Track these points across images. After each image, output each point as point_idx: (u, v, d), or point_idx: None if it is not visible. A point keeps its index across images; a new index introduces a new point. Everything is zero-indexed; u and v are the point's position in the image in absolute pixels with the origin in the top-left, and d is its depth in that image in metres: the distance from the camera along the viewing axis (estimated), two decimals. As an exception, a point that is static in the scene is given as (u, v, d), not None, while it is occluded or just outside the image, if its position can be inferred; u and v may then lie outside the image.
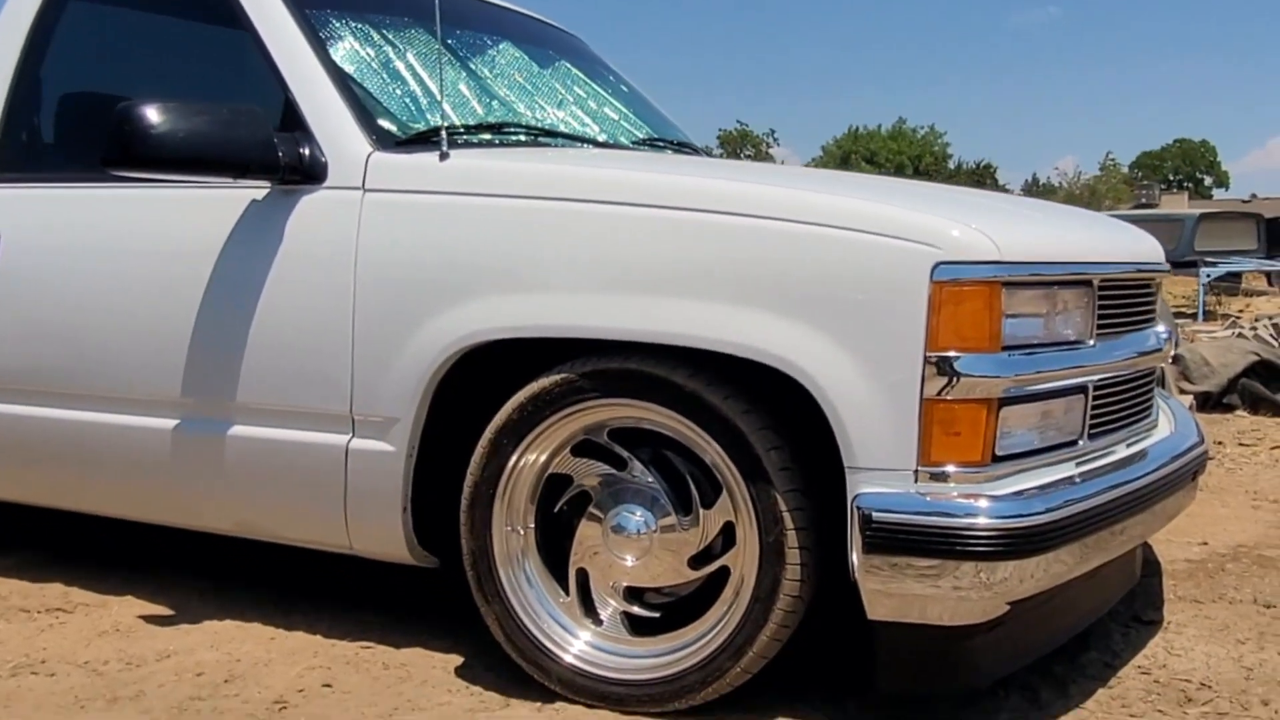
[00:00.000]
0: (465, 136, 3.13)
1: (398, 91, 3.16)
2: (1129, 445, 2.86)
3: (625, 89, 4.17)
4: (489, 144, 3.20)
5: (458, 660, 2.91)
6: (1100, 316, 2.67)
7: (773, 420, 2.54)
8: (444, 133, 2.86)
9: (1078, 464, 2.61)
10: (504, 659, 2.74)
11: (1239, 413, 6.79)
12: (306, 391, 2.91)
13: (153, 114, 2.75)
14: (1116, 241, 2.97)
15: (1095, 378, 2.64)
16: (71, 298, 3.22)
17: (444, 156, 2.84)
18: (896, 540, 2.33)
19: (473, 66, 3.54)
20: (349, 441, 2.87)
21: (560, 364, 2.66)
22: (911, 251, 2.37)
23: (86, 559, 3.64)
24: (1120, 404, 2.83)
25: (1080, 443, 2.63)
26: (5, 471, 3.45)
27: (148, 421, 3.14)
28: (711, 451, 2.56)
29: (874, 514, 2.34)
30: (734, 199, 2.54)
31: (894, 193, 2.85)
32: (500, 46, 3.76)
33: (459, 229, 2.76)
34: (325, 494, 2.92)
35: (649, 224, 2.57)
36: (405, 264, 2.79)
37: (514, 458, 2.70)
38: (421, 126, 3.04)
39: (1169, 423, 3.19)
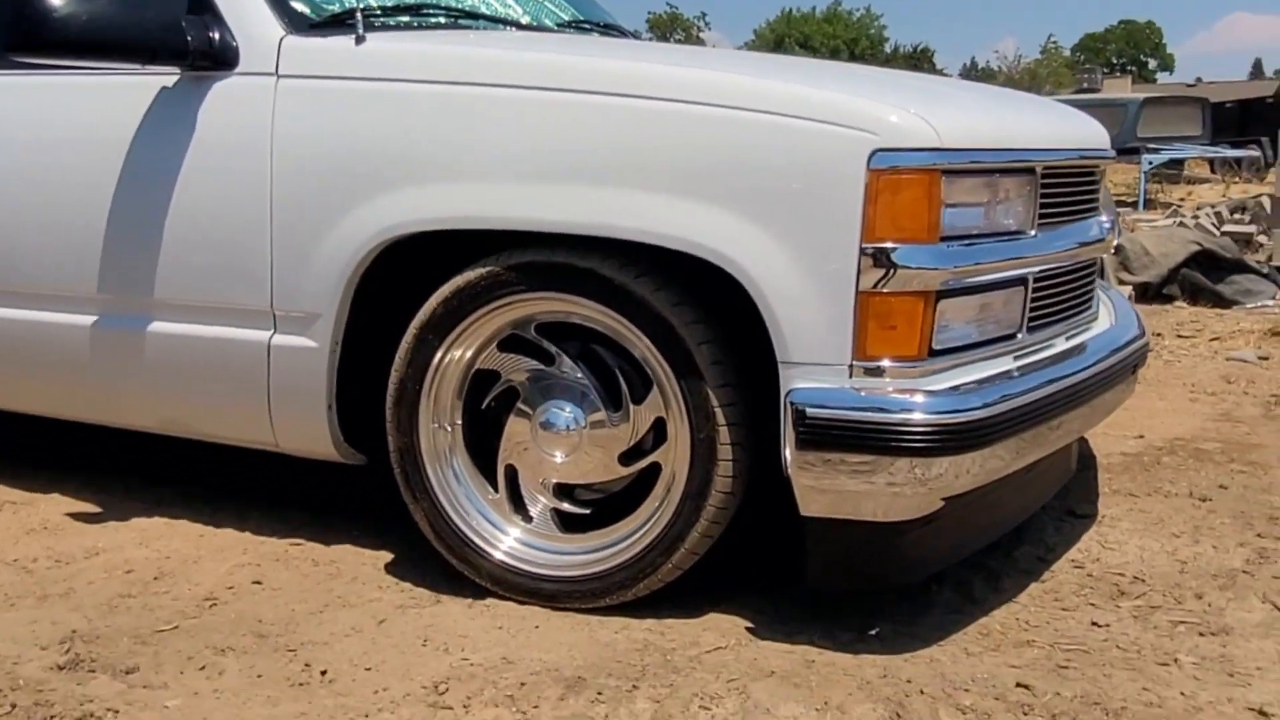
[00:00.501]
0: (382, 19, 2.90)
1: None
2: (1068, 339, 2.73)
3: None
4: (407, 26, 2.96)
5: (388, 557, 2.79)
6: (1042, 206, 2.51)
7: (704, 314, 2.39)
8: (359, 14, 2.63)
9: (1015, 358, 2.48)
10: (434, 556, 2.62)
11: (1178, 304, 6.71)
12: (225, 286, 2.72)
13: (54, -2, 2.52)
14: (1061, 127, 2.81)
15: (1035, 269, 2.50)
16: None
17: (360, 40, 2.62)
18: (830, 436, 2.20)
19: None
20: (271, 338, 2.70)
21: (485, 257, 2.49)
22: (847, 138, 2.20)
23: (9, 455, 3.47)
24: (1060, 296, 2.70)
25: (1019, 336, 2.50)
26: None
27: (63, 318, 2.94)
28: (641, 346, 2.41)
29: (807, 410, 2.21)
30: (662, 84, 2.34)
31: (829, 76, 2.67)
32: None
33: (376, 117, 2.55)
34: (248, 391, 2.75)
35: (573, 111, 2.38)
36: (322, 154, 2.59)
37: (439, 354, 2.54)
38: (336, 8, 2.79)
39: (1109, 315, 3.07)
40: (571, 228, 2.37)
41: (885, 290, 2.20)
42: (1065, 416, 2.49)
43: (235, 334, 2.74)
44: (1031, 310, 2.52)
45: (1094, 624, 2.48)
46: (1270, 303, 6.48)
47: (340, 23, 2.76)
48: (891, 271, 2.19)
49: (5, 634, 2.36)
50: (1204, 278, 6.68)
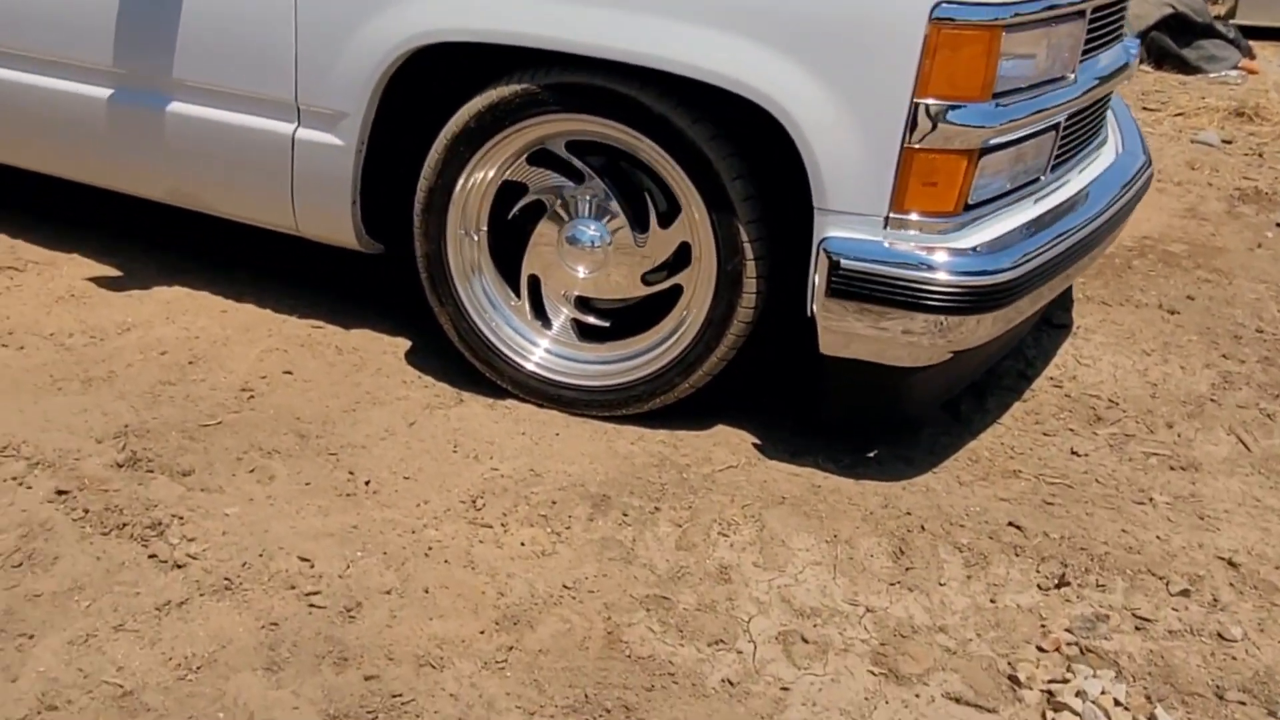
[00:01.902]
0: None
1: None
2: (1081, 170, 2.60)
3: None
4: None
5: (406, 345, 2.70)
6: (1085, 45, 2.32)
7: (739, 148, 2.21)
8: None
9: (1036, 200, 2.36)
10: (452, 351, 2.53)
11: (1143, 67, 6.43)
12: (248, 75, 2.47)
13: None
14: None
15: (1070, 111, 2.34)
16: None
17: None
18: (861, 288, 2.10)
19: None
20: (295, 131, 2.48)
21: (520, 72, 2.26)
22: (911, -14, 1.97)
23: (21, 210, 3.25)
24: (1082, 131, 2.54)
25: (1042, 178, 2.36)
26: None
27: (80, 88, 2.68)
28: (674, 174, 2.24)
29: (842, 260, 2.09)
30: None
31: None
32: None
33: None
34: (270, 178, 2.56)
35: (625, -74, 2.10)
36: (352, -58, 2.29)
37: (469, 165, 2.35)
38: None
39: (1115, 136, 2.91)
40: (615, 54, 2.14)
41: (931, 147, 2.03)
42: (1078, 264, 2.39)
43: (258, 123, 2.51)
44: (1056, 151, 2.37)
45: (1074, 453, 2.49)
46: (1232, 73, 6.24)
47: None
48: (941, 129, 2.01)
49: (60, 422, 2.27)
50: (1171, 42, 6.38)
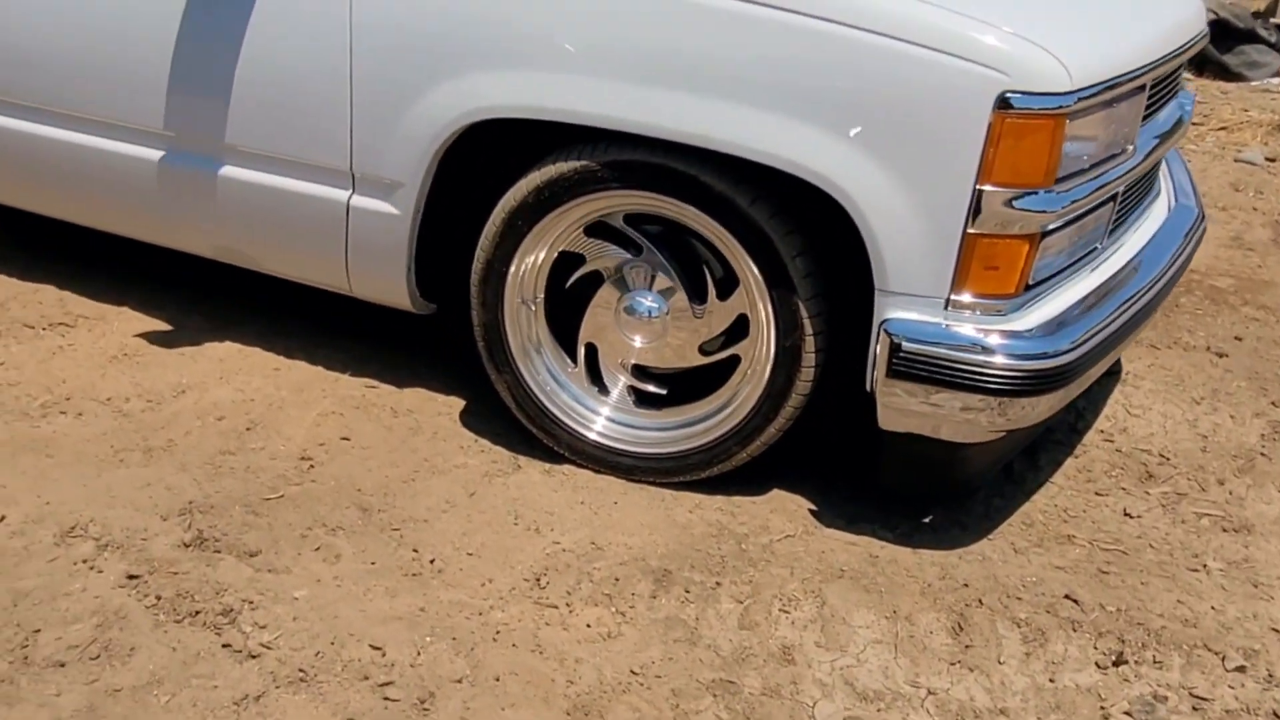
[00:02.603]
0: None
1: None
2: (1136, 229, 2.64)
3: None
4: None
5: (460, 405, 2.76)
6: (1144, 114, 2.36)
7: (798, 224, 2.27)
8: None
9: (1093, 269, 2.40)
10: (508, 411, 2.60)
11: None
12: (302, 142, 2.53)
13: None
14: (1173, 22, 2.54)
15: (1129, 180, 2.38)
16: (26, 5, 2.69)
17: (449, -110, 2.30)
18: (921, 370, 2.15)
19: None
20: (350, 198, 2.54)
21: (578, 147, 2.31)
22: (976, 76, 2.01)
23: (69, 259, 3.32)
24: (1138, 193, 2.58)
25: (1100, 246, 2.41)
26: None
27: (137, 150, 2.73)
28: (733, 250, 2.29)
29: (903, 343, 2.14)
30: (782, -7, 2.09)
31: None
32: None
33: (469, -12, 2.29)
34: (325, 243, 2.62)
35: (688, 11, 2.13)
36: (407, 20, 2.33)
37: (526, 238, 2.41)
38: None
39: (1167, 186, 2.94)
40: (675, 135, 2.19)
41: (993, 232, 2.08)
42: (1137, 331, 2.44)
43: (312, 189, 2.57)
44: (1114, 218, 2.42)
45: (1127, 514, 2.54)
46: (1274, 80, 6.23)
47: None
48: (1003, 215, 2.06)
49: (125, 497, 2.34)
50: (1212, 47, 6.37)
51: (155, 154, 2.72)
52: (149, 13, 2.55)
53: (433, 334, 2.93)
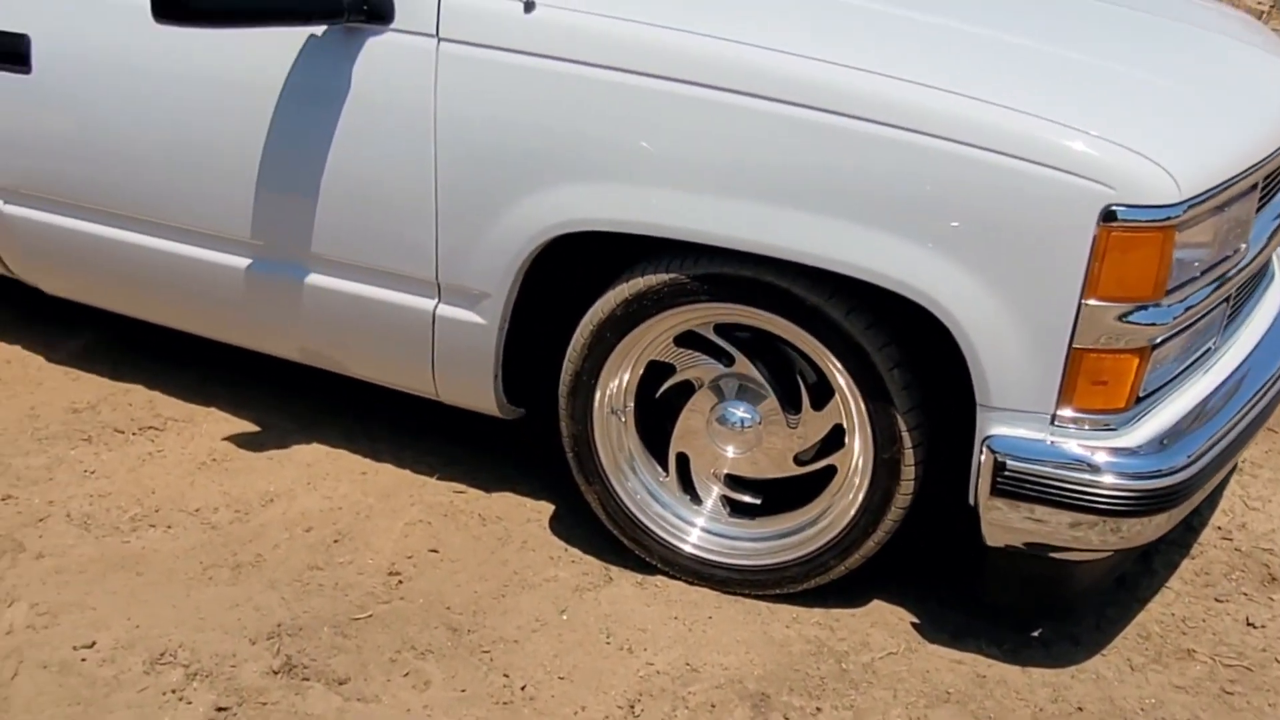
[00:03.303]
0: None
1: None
2: (1250, 320, 2.58)
3: None
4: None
5: (549, 510, 2.78)
6: (1257, 208, 2.31)
7: (895, 335, 2.26)
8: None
9: (1207, 370, 2.36)
10: (597, 518, 2.62)
11: None
12: (387, 252, 2.58)
13: (202, -41, 2.26)
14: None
15: (1243, 279, 2.33)
16: (120, 121, 2.78)
17: (529, 7, 2.34)
18: (1028, 489, 2.13)
19: None
20: (436, 307, 2.58)
21: (667, 259, 2.33)
22: (1079, 189, 1.99)
23: (159, 358, 3.42)
24: (1251, 285, 2.53)
25: (1213, 345, 2.36)
26: (73, 278, 3.17)
27: (223, 257, 2.81)
28: (827, 361, 2.29)
29: (1008, 461, 2.12)
30: (880, 105, 2.08)
31: (1047, 80, 2.31)
32: None
33: (551, 101, 2.30)
34: (411, 350, 2.66)
35: (781, 124, 2.14)
36: (492, 134, 2.37)
37: (615, 350, 2.43)
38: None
39: (1276, 265, 2.88)
40: (768, 250, 2.20)
41: (1101, 347, 2.06)
42: (1256, 434, 2.38)
43: (398, 298, 2.62)
44: (1228, 314, 2.37)
45: (1249, 624, 2.48)
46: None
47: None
48: (1110, 330, 2.04)
49: (214, 619, 2.40)
50: None
51: (243, 261, 2.79)
52: (236, 127, 2.63)
53: (520, 434, 2.97)
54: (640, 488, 2.56)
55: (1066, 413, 2.11)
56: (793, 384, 2.40)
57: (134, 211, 2.89)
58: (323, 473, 2.92)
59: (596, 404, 2.50)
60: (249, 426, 3.11)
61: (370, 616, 2.43)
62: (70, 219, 3.00)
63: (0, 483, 2.83)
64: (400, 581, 2.54)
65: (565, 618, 2.44)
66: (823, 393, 2.37)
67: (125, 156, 2.82)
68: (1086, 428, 2.12)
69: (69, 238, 3.02)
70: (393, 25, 2.44)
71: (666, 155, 2.24)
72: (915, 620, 2.46)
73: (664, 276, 2.32)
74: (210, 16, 2.31)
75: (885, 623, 2.46)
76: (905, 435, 2.26)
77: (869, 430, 2.29)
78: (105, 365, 3.38)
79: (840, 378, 2.29)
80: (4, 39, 2.87)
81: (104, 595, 2.47)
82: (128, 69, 2.74)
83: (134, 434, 3.07)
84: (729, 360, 2.42)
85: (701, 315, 2.36)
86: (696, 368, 2.45)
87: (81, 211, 2.97)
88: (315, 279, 2.71)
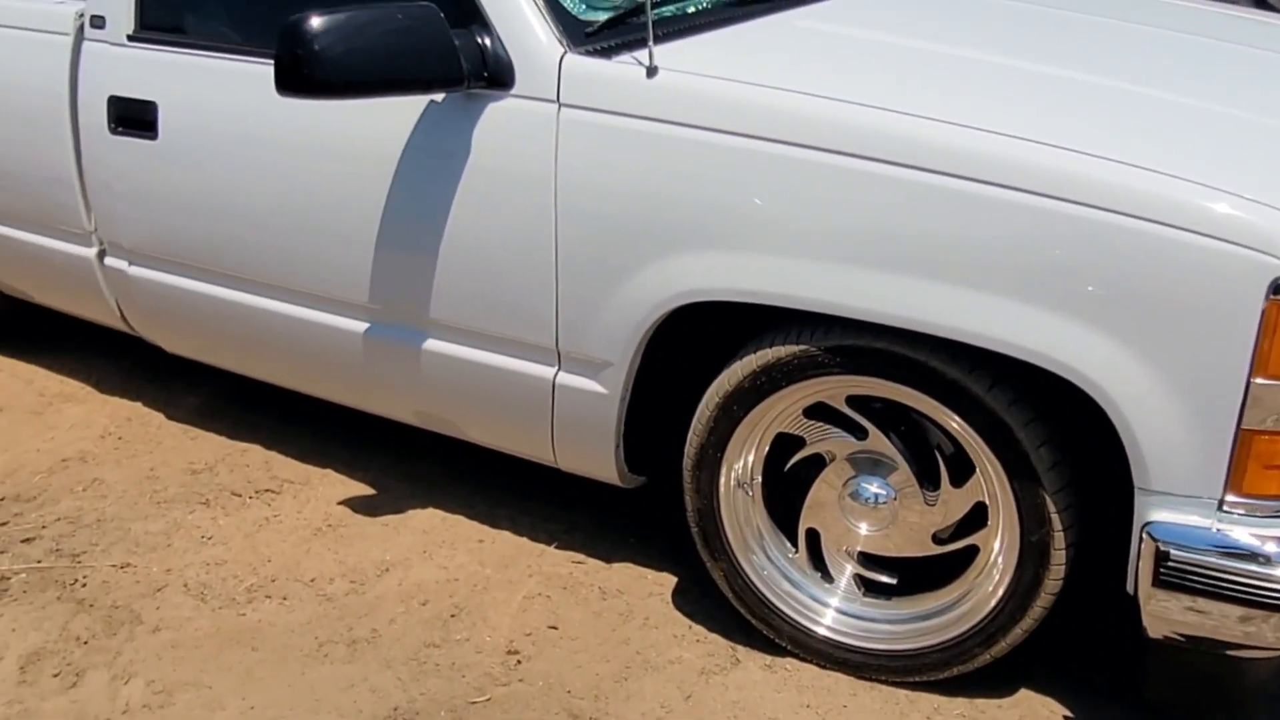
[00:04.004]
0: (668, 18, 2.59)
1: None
2: None
3: None
4: (698, 25, 2.63)
5: (671, 583, 2.75)
6: None
7: (1040, 410, 2.18)
8: (651, 41, 2.33)
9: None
10: (720, 593, 2.58)
11: None
12: (505, 319, 2.59)
13: (321, 34, 2.29)
14: None
15: None
16: (242, 186, 2.85)
17: (652, 72, 2.33)
18: (1193, 581, 2.02)
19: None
20: (555, 375, 2.58)
21: (797, 330, 2.30)
22: (1244, 260, 1.89)
23: (270, 414, 3.49)
24: None
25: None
26: (193, 338, 3.27)
27: (337, 320, 2.86)
28: (968, 437, 2.22)
29: (1171, 551, 2.02)
30: (1025, 172, 2.02)
31: (1194, 125, 2.26)
32: None
33: (678, 166, 2.29)
34: (530, 418, 2.67)
35: (923, 193, 2.08)
36: (616, 201, 2.36)
37: (742, 423, 2.40)
38: (610, 10, 2.52)
39: None
40: (906, 322, 2.14)
41: (1272, 429, 1.95)
42: None
43: (517, 365, 2.63)
44: None
45: None
46: None
47: (623, 24, 2.51)
48: (1283, 411, 1.94)
49: (329, 701, 2.42)
50: None
51: (361, 325, 2.84)
52: (355, 192, 2.67)
53: (641, 501, 2.95)
54: (768, 565, 2.51)
55: (1235, 498, 2.01)
56: (930, 458, 2.33)
57: (254, 274, 2.97)
58: (439, 540, 2.94)
59: (723, 478, 2.46)
60: (365, 490, 3.16)
61: (488, 700, 2.43)
62: (192, 281, 3.10)
63: (119, 549, 2.92)
64: (519, 661, 2.53)
65: (690, 703, 2.40)
66: (963, 468, 2.30)
67: (246, 220, 2.90)
68: (1257, 515, 2.01)
69: (190, 299, 3.12)
70: (513, 91, 2.46)
71: (798, 224, 2.20)
72: (1068, 714, 2.36)
73: (794, 348, 2.28)
74: (332, 89, 2.34)
75: (1035, 716, 2.36)
76: (1054, 517, 2.18)
77: (1014, 510, 2.22)
78: (224, 423, 3.47)
79: (982, 455, 2.22)
80: (134, 106, 2.98)
81: (220, 672, 2.51)
82: (249, 135, 2.82)
83: (250, 497, 3.13)
84: (862, 433, 2.36)
85: (833, 388, 2.32)
86: (827, 441, 2.40)
87: (203, 274, 3.07)
88: (432, 344, 2.74)
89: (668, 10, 2.63)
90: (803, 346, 2.28)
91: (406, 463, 3.25)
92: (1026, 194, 2.02)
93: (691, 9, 2.69)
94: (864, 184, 2.13)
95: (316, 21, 2.31)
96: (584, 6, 2.54)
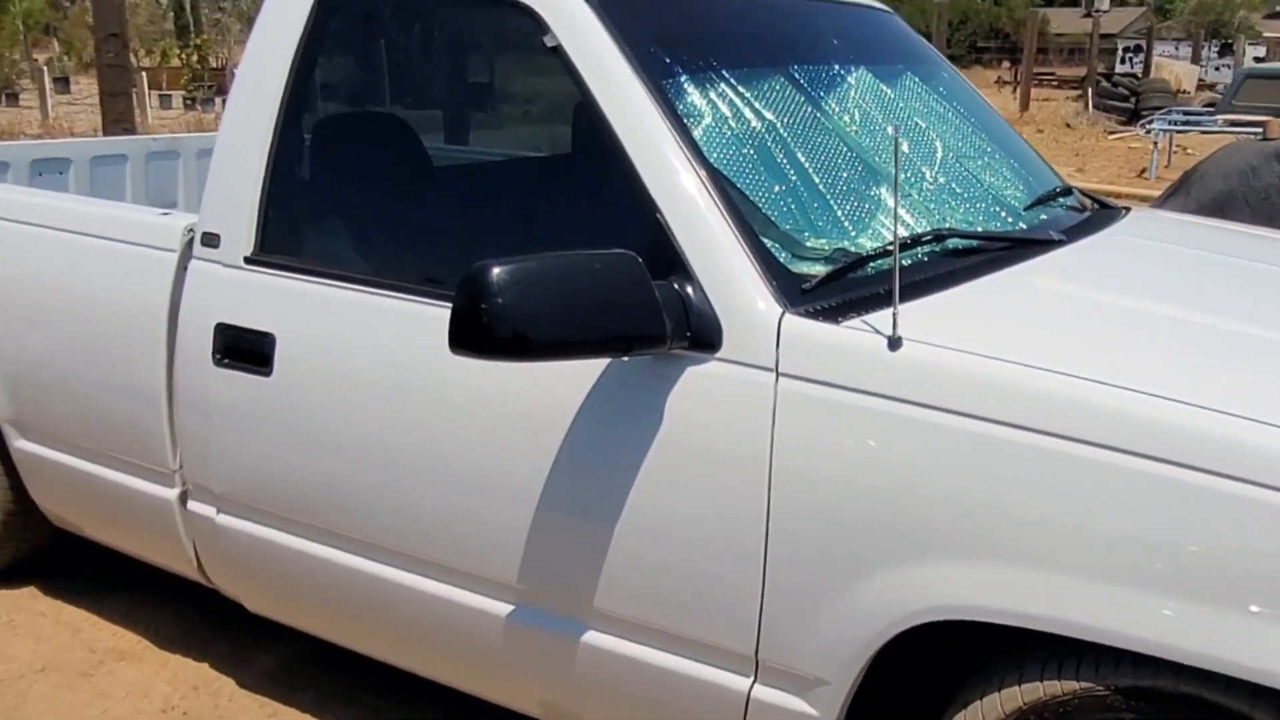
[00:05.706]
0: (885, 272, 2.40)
1: (794, 204, 2.43)
2: None
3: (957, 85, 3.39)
4: (924, 284, 2.40)
5: None
6: None
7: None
8: (896, 305, 2.13)
9: None
10: None
11: None
12: (692, 617, 2.31)
13: (510, 285, 2.07)
14: None
15: None
16: (370, 438, 2.61)
17: (895, 343, 2.12)
18: None
19: (845, 127, 2.76)
20: (751, 687, 2.29)
21: (1061, 657, 2.02)
22: None
23: (360, 677, 3.19)
24: None
25: None
26: (288, 603, 2.99)
27: (467, 597, 2.58)
28: (1293, 804, 1.92)
29: None
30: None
31: None
32: (855, 76, 2.94)
33: (926, 456, 2.06)
34: (712, 734, 2.37)
35: (1251, 508, 1.85)
36: (849, 490, 2.10)
37: (999, 770, 2.10)
38: (831, 260, 2.36)
39: None
40: (1220, 666, 1.86)
41: None
42: None
43: (699, 671, 2.33)
44: None
45: None
46: None
47: (842, 277, 2.32)
48: None
49: None
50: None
51: (499, 606, 2.55)
52: (511, 457, 2.43)
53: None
54: None
55: None
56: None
57: (373, 538, 2.69)
58: None
59: (965, 833, 2.15)
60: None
61: None
62: (293, 537, 2.83)
63: None
64: None
65: None
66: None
67: (371, 477, 2.64)
68: None
69: (290, 557, 2.85)
70: (719, 354, 2.24)
71: (1084, 537, 1.94)
72: None
73: (1073, 685, 1.99)
74: (517, 350, 2.11)
75: None
76: None
77: None
78: (307, 695, 3.16)
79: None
80: (246, 336, 2.77)
81: None
82: (385, 382, 2.58)
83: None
84: (1147, 784, 2.06)
85: (1118, 736, 2.03)
86: (1106, 793, 2.10)
87: (309, 530, 2.80)
88: (592, 636, 2.45)
89: (885, 263, 2.43)
90: (1084, 684, 1.99)
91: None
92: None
93: (907, 261, 2.49)
94: (1184, 497, 1.88)
95: (503, 271, 2.09)
96: (791, 256, 2.35)
